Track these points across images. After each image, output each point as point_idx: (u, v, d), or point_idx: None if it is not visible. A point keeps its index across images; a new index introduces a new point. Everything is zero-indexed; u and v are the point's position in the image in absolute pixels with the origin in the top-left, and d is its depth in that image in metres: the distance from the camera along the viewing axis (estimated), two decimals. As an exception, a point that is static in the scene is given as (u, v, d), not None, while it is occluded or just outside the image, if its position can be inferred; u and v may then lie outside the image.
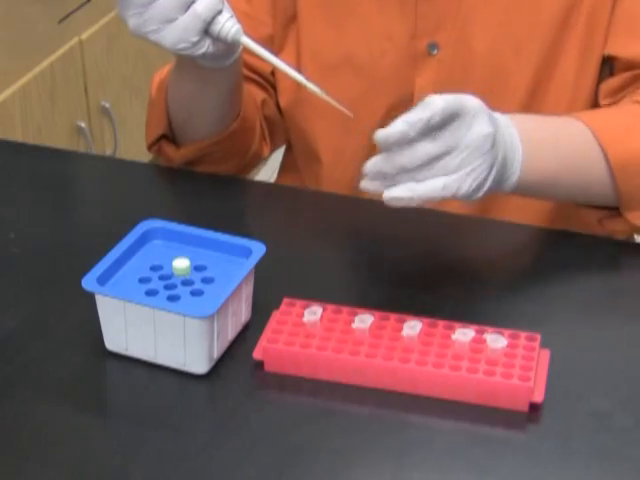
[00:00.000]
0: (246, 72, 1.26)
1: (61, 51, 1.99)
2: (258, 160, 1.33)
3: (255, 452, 0.88)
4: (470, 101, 0.97)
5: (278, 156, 1.43)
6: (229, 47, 1.10)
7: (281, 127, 1.34)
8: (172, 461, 0.87)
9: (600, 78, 1.22)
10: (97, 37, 2.11)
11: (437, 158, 0.94)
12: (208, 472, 0.87)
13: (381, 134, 0.93)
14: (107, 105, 2.15)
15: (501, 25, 1.20)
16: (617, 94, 1.20)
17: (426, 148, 0.94)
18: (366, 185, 0.96)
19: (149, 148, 1.28)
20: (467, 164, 0.96)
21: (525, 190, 1.07)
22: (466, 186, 0.96)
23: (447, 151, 0.95)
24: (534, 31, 1.20)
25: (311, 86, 1.04)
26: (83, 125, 2.07)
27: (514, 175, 1.04)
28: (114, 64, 2.18)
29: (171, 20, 1.03)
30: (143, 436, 0.90)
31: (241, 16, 1.11)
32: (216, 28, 1.05)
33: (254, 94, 1.29)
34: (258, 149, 1.31)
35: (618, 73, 1.20)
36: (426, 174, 0.95)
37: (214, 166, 1.26)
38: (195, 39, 1.05)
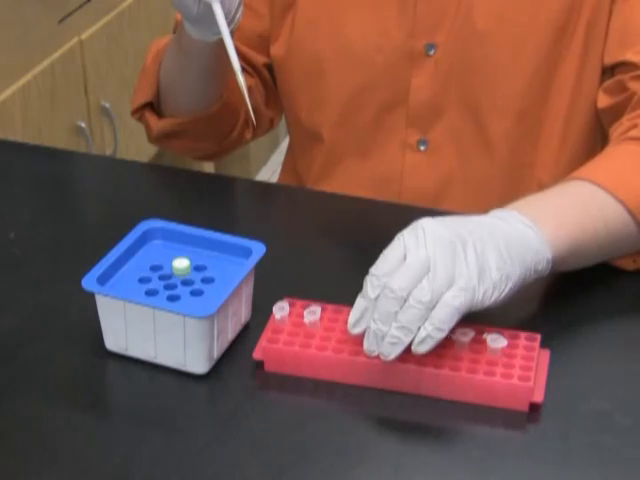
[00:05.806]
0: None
1: (61, 51, 1.99)
2: (238, 145, 1.36)
3: (255, 452, 0.88)
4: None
5: (278, 157, 1.44)
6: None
7: (265, 117, 1.36)
8: (172, 461, 0.87)
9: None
10: (97, 37, 2.11)
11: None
12: (208, 472, 0.87)
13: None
14: (107, 105, 2.15)
15: (498, 27, 1.19)
16: (614, 96, 1.19)
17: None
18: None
19: (133, 113, 1.32)
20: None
21: (561, 264, 1.01)
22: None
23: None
24: (532, 34, 1.19)
25: (240, 79, 1.07)
26: (83, 125, 2.07)
27: (543, 258, 0.97)
28: (114, 64, 2.18)
29: None
30: (143, 436, 0.90)
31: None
32: None
33: None
34: (239, 135, 1.33)
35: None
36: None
37: (191, 143, 1.30)
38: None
